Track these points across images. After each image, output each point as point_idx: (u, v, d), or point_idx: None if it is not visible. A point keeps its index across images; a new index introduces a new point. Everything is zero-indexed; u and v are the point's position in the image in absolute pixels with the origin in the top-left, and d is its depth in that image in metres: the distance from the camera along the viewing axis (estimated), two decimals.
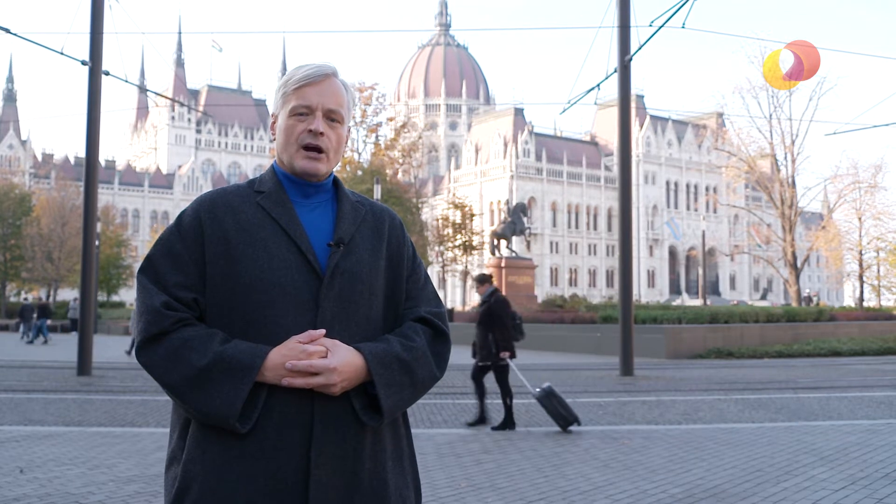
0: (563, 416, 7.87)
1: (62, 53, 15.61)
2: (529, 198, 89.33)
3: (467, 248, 54.15)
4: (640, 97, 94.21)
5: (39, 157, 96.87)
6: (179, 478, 1.56)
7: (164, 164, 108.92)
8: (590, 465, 6.14)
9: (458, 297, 68.65)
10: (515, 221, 40.98)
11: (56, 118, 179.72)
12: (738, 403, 10.66)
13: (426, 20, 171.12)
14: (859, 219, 48.50)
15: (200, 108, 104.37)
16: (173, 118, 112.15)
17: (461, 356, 9.89)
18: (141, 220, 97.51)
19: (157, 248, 1.65)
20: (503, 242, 40.70)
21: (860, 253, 49.43)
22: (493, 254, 41.13)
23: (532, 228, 68.47)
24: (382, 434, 1.64)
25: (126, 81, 20.10)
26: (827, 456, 6.41)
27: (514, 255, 41.45)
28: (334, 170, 1.77)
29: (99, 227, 37.15)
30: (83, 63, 15.60)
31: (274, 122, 1.74)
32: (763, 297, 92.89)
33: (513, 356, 8.44)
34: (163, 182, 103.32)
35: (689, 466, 6.07)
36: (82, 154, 19.68)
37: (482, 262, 56.27)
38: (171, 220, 1.70)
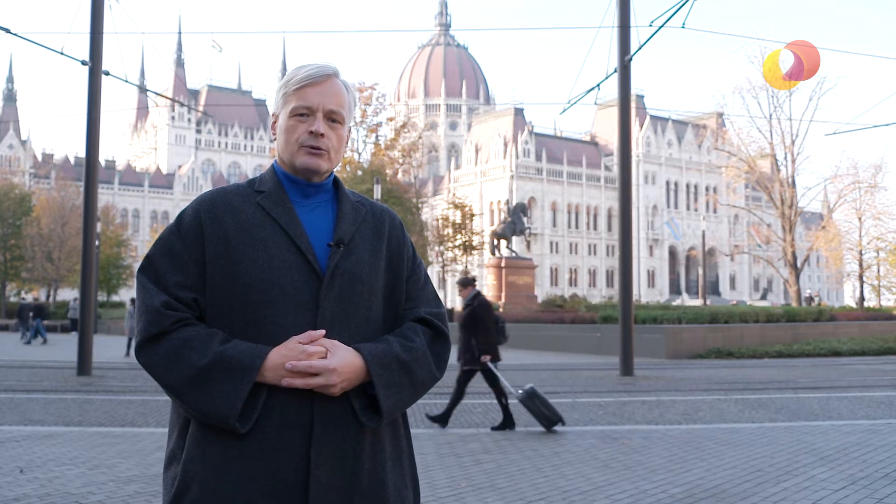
0: (547, 417, 7.87)
1: (62, 53, 15.61)
2: (529, 198, 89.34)
3: (467, 248, 54.11)
4: (640, 97, 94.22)
5: (39, 157, 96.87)
6: (179, 477, 1.56)
7: (164, 164, 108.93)
8: (590, 465, 6.14)
9: (458, 297, 68.59)
10: (515, 221, 41.00)
11: (56, 118, 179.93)
12: (738, 403, 10.66)
13: (426, 20, 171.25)
14: (859, 219, 48.50)
15: (200, 108, 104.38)
16: (173, 118, 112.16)
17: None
18: (141, 220, 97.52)
19: (156, 248, 1.65)
20: (503, 242, 40.73)
21: (860, 253, 49.42)
22: (493, 254, 41.17)
23: (532, 228, 68.47)
24: (382, 435, 1.64)
25: (126, 81, 20.12)
26: (827, 456, 6.41)
27: (514, 255, 41.49)
28: (334, 170, 1.77)
29: (99, 227, 37.14)
30: (83, 63, 15.60)
31: (275, 122, 1.74)
32: (763, 297, 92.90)
33: (495, 360, 8.46)
34: (163, 182, 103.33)
35: (689, 466, 6.07)
36: (82, 154, 19.68)
37: (482, 262, 56.30)
38: (171, 220, 1.70)
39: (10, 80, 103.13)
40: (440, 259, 52.64)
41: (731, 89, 67.39)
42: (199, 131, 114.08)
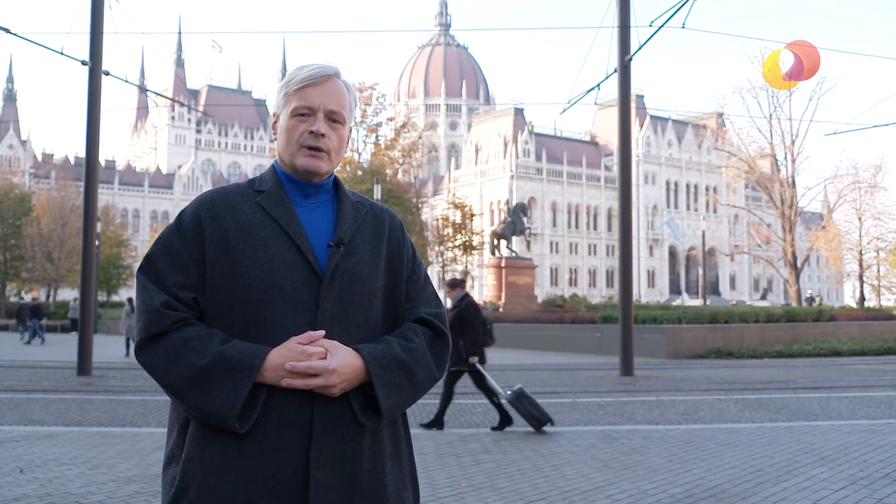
0: (536, 417, 7.87)
1: (62, 53, 15.61)
2: (529, 198, 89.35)
3: (467, 248, 54.12)
4: (640, 97, 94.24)
5: (39, 157, 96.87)
6: (178, 477, 1.56)
7: (164, 164, 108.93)
8: (590, 465, 6.14)
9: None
10: (515, 221, 41.02)
11: (56, 118, 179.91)
12: (738, 403, 10.66)
13: (426, 20, 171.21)
14: (859, 219, 48.50)
15: (200, 108, 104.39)
16: (173, 118, 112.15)
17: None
18: (141, 220, 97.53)
19: (156, 248, 1.65)
20: (503, 242, 40.74)
21: (860, 253, 49.42)
22: (493, 254, 41.17)
23: (532, 228, 68.47)
24: (381, 435, 1.64)
25: (126, 81, 20.12)
26: (827, 456, 6.41)
27: (514, 255, 41.50)
28: (335, 170, 1.77)
29: (99, 227, 37.16)
30: (83, 63, 15.60)
31: (275, 122, 1.74)
32: (763, 297, 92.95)
33: (482, 361, 8.50)
34: (163, 182, 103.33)
35: (689, 466, 6.07)
36: (82, 154, 19.68)
37: (482, 262, 56.30)
38: (172, 220, 1.70)
39: (10, 80, 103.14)
40: (440, 259, 52.63)
41: (731, 89, 67.53)
42: (199, 131, 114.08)
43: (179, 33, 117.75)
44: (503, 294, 37.48)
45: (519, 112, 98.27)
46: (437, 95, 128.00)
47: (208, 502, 1.53)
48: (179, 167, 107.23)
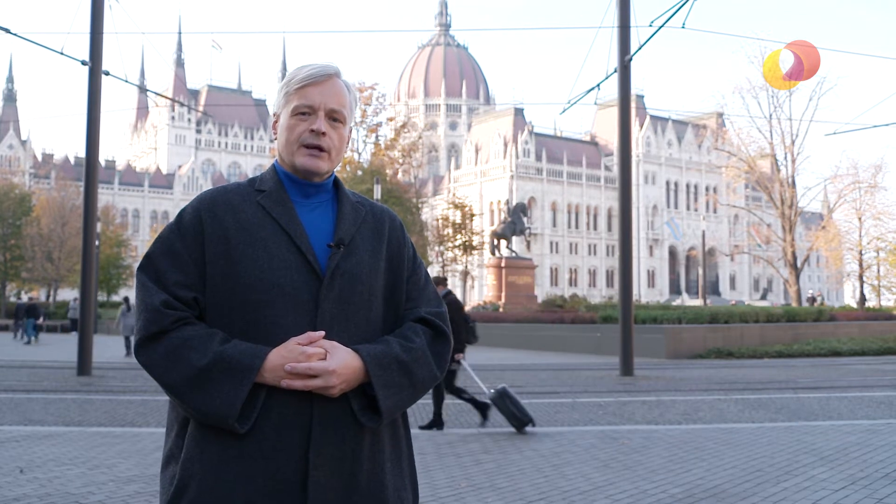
0: (518, 417, 7.85)
1: (62, 53, 15.61)
2: (529, 198, 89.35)
3: (467, 248, 54.15)
4: (640, 97, 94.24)
5: (39, 157, 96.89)
6: (178, 476, 1.56)
7: (164, 164, 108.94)
8: (590, 465, 6.14)
9: (459, 296, 68.67)
10: (515, 221, 41.01)
11: (56, 118, 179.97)
12: (738, 403, 10.66)
13: (426, 20, 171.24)
14: (859, 219, 48.51)
15: (200, 108, 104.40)
16: (173, 118, 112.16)
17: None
18: (141, 220, 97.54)
19: (156, 246, 1.65)
20: (503, 242, 40.74)
21: (860, 253, 49.42)
22: (493, 254, 41.17)
23: (532, 228, 68.48)
24: (381, 435, 1.64)
25: (126, 81, 20.11)
26: (827, 456, 6.41)
27: (514, 255, 41.49)
28: (335, 170, 1.77)
29: (99, 227, 37.17)
30: (83, 63, 15.60)
31: (276, 122, 1.74)
32: (763, 297, 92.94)
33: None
34: (163, 182, 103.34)
35: (689, 466, 6.07)
36: (82, 154, 19.68)
37: (482, 262, 56.29)
38: (172, 220, 1.70)
39: (10, 80, 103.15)
40: (440, 259, 52.66)
41: (731, 89, 67.53)
42: (199, 131, 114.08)
43: (179, 33, 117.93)
44: (503, 294, 37.48)
45: (519, 112, 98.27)
46: (437, 95, 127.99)
47: (207, 502, 1.52)
48: (179, 167, 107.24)
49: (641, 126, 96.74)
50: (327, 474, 1.55)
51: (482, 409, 8.40)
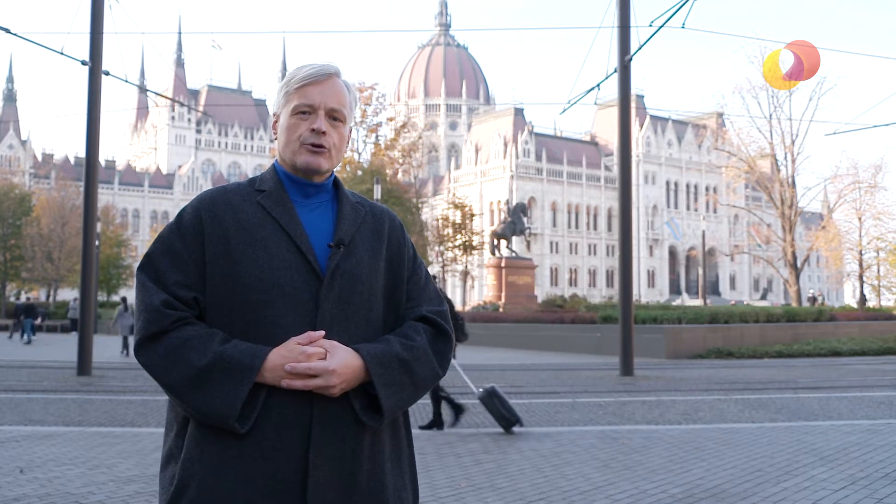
0: (505, 417, 7.82)
1: (62, 53, 15.61)
2: (529, 198, 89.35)
3: (467, 248, 54.17)
4: (640, 97, 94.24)
5: (39, 157, 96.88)
6: (177, 476, 1.56)
7: (164, 164, 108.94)
8: (590, 465, 6.14)
9: (458, 296, 68.73)
10: (515, 221, 41.01)
11: (56, 118, 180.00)
12: (738, 403, 10.66)
13: (426, 20, 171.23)
14: (859, 219, 48.52)
15: (200, 108, 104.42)
16: (173, 118, 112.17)
17: (462, 355, 9.90)
18: (141, 220, 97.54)
19: (156, 246, 1.65)
20: (503, 242, 40.73)
21: (860, 253, 49.44)
22: (493, 254, 41.17)
23: (532, 228, 68.48)
24: (381, 435, 1.64)
25: (126, 81, 20.11)
26: (827, 456, 6.41)
27: (514, 255, 41.49)
28: (335, 170, 1.78)
29: (99, 227, 37.17)
30: (83, 63, 15.60)
31: (276, 122, 1.74)
32: (763, 297, 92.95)
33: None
34: (163, 182, 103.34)
35: (689, 466, 6.06)
36: (82, 154, 19.68)
37: (482, 262, 56.29)
38: (172, 220, 1.70)
39: (10, 80, 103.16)
40: (440, 259, 52.67)
41: (731, 89, 67.51)
42: (199, 131, 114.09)
43: (179, 33, 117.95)
44: (503, 294, 37.48)
45: (519, 112, 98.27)
46: (437, 95, 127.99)
47: (207, 502, 1.52)
48: (179, 167, 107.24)
49: (641, 126, 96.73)
50: (327, 474, 1.55)
51: (457, 409, 8.31)
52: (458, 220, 54.44)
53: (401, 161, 51.78)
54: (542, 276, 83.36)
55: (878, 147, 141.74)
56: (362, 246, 1.68)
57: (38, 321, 33.28)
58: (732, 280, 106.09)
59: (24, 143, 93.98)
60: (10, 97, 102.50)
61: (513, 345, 26.92)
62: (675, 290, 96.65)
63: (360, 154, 49.45)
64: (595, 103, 20.34)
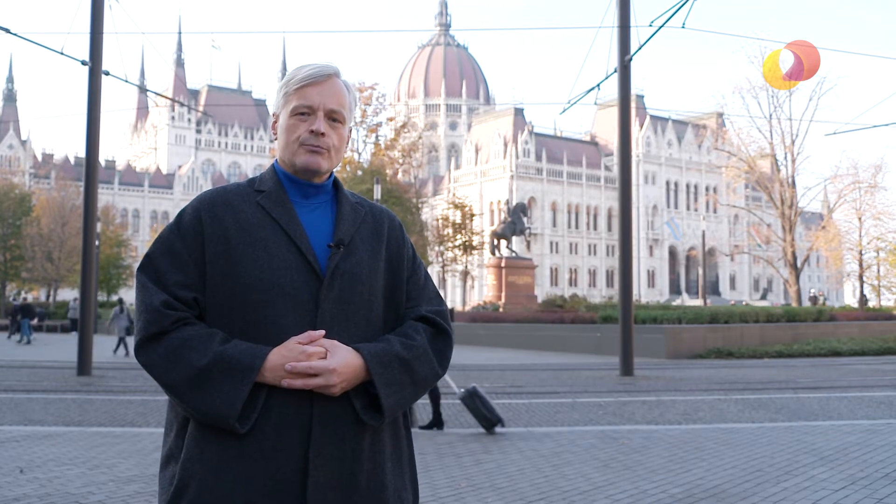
0: (487, 418, 7.81)
1: (62, 53, 15.60)
2: (529, 198, 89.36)
3: (467, 248, 54.18)
4: (640, 97, 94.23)
5: (39, 157, 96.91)
6: (177, 476, 1.56)
7: (164, 164, 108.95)
8: (590, 465, 6.14)
9: (459, 296, 68.74)
10: (515, 221, 41.01)
11: (56, 118, 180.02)
12: (738, 403, 10.66)
13: (426, 20, 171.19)
14: (859, 219, 48.50)
15: (200, 108, 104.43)
16: (173, 118, 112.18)
17: (462, 355, 9.90)
18: (141, 220, 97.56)
19: (156, 247, 1.65)
20: (503, 242, 40.74)
21: (860, 253, 49.42)
22: (493, 254, 41.17)
23: (532, 228, 68.48)
24: (381, 435, 1.64)
25: (126, 81, 20.11)
26: (827, 456, 6.41)
27: (514, 255, 41.49)
28: (335, 170, 1.78)
29: (99, 227, 37.14)
30: (83, 63, 15.60)
31: (275, 122, 1.74)
32: (763, 297, 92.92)
33: None
34: (163, 182, 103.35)
35: (689, 466, 6.07)
36: (82, 154, 19.68)
37: (482, 262, 56.29)
38: (172, 220, 1.70)
39: (10, 80, 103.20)
40: (440, 259, 52.68)
41: (731, 89, 67.48)
42: (199, 131, 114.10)
43: (179, 33, 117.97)
44: (503, 294, 37.48)
45: (519, 112, 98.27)
46: (437, 95, 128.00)
47: (207, 502, 1.53)
48: (179, 167, 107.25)
49: (641, 126, 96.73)
50: (327, 474, 1.55)
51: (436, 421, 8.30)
52: (458, 220, 54.46)
53: (401, 161, 51.77)
54: (542, 276, 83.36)
55: (878, 147, 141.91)
56: (362, 246, 1.68)
57: (36, 321, 33.27)
58: (732, 280, 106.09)
59: (24, 143, 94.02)
60: (10, 97, 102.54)
61: (513, 345, 26.91)
62: (675, 290, 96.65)
63: (360, 154, 49.45)
64: (595, 103, 20.34)
